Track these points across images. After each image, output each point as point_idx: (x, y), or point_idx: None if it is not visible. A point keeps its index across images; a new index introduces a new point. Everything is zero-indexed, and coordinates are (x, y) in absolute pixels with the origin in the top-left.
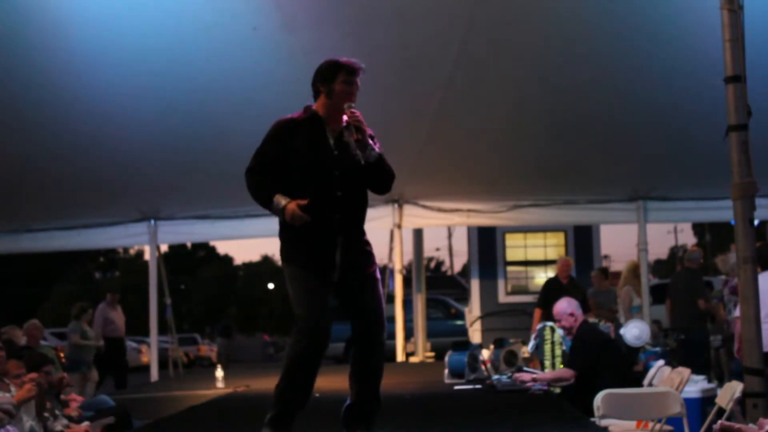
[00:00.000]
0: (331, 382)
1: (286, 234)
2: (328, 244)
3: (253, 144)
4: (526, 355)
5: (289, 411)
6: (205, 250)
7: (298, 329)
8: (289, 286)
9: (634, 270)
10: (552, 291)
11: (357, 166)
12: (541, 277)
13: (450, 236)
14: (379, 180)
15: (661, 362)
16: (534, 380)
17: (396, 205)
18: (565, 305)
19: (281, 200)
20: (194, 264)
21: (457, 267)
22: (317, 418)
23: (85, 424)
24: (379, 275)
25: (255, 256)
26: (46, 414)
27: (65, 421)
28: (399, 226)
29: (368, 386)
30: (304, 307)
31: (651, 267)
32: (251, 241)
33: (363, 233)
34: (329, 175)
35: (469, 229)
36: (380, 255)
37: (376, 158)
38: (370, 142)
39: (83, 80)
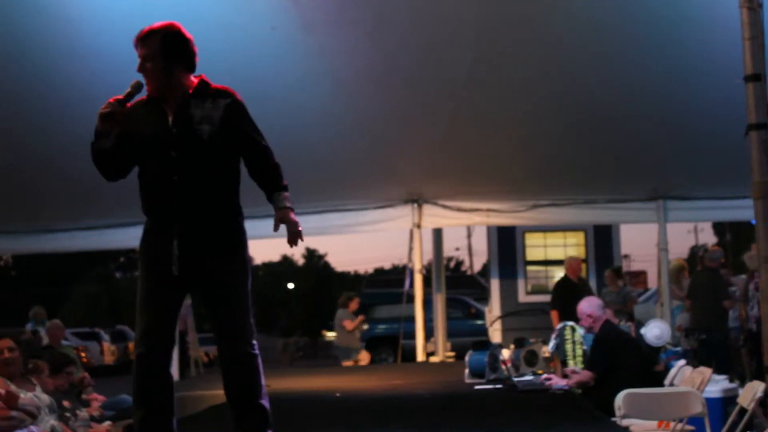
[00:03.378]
0: (351, 381)
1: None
2: (165, 235)
3: (270, 144)
4: (547, 354)
5: (149, 414)
6: None
7: (136, 333)
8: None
9: (679, 270)
10: (566, 291)
11: (199, 144)
12: (561, 276)
13: (469, 236)
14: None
15: (682, 362)
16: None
17: (415, 205)
18: (585, 305)
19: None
20: None
21: (477, 267)
22: (338, 417)
23: (107, 423)
24: (243, 264)
25: (275, 257)
26: (67, 414)
27: (86, 418)
28: (418, 226)
29: (239, 401)
30: (139, 309)
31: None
32: (270, 242)
33: (219, 219)
34: (165, 157)
35: (489, 228)
36: (400, 255)
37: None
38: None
39: (102, 80)
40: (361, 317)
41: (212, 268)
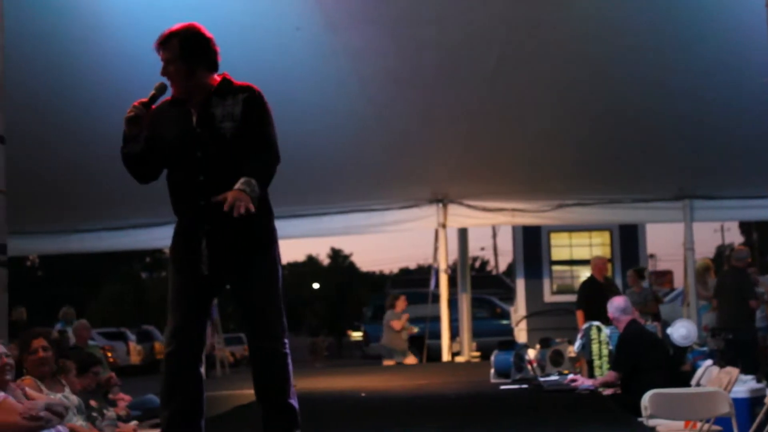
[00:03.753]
0: (376, 381)
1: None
2: (194, 235)
3: (296, 144)
4: (573, 354)
5: (177, 413)
6: None
7: (166, 332)
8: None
9: (705, 269)
10: (592, 291)
11: (222, 143)
12: (587, 276)
13: (495, 236)
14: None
15: (709, 362)
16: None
17: (440, 205)
18: (607, 307)
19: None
20: None
21: (503, 266)
22: (363, 418)
23: (134, 423)
24: (274, 262)
25: (300, 257)
26: (94, 414)
27: (113, 418)
28: (444, 226)
29: (269, 400)
30: (170, 308)
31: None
32: (295, 241)
33: (247, 218)
34: (191, 158)
35: (514, 228)
36: (425, 255)
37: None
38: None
39: (127, 83)
40: (406, 315)
41: (242, 267)
